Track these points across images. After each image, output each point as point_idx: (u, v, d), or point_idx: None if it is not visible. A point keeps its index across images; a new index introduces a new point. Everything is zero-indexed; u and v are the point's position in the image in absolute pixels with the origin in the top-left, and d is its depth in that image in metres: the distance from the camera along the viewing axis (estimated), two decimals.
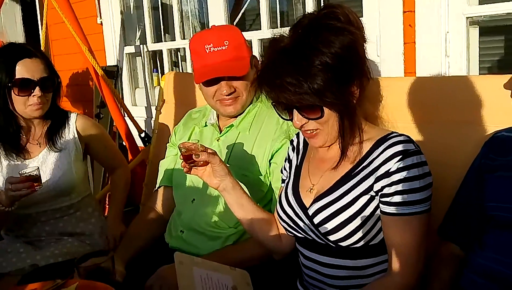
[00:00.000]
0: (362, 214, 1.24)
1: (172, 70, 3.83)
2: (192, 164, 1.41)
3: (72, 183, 1.93)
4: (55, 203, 1.93)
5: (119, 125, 3.20)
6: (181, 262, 1.27)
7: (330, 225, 1.25)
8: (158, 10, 3.90)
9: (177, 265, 1.26)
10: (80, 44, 2.97)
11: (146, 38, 3.86)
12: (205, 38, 1.65)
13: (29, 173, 1.64)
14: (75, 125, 1.99)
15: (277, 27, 2.97)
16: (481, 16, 1.99)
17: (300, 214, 1.33)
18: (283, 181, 1.51)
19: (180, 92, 2.48)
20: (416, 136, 1.53)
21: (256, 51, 2.95)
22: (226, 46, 1.62)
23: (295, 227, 1.37)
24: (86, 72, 3.98)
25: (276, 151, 1.61)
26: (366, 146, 1.28)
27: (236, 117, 1.71)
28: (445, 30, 2.03)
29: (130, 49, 4.00)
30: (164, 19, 3.91)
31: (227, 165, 1.45)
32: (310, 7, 2.60)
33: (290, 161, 1.48)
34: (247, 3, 3.66)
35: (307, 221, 1.31)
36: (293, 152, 1.48)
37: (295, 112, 1.25)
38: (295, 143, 1.49)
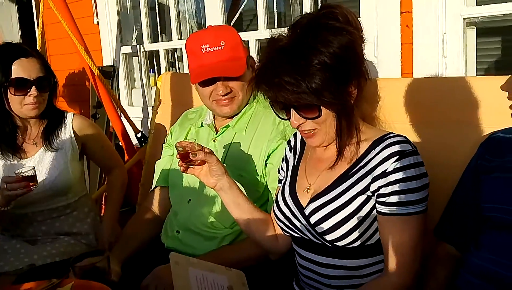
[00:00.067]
0: (359, 214, 1.24)
1: (169, 70, 3.82)
2: (189, 163, 1.41)
3: (69, 183, 1.92)
4: (52, 203, 1.92)
5: (115, 125, 3.19)
6: (177, 262, 1.27)
7: (326, 225, 1.25)
8: (155, 10, 3.89)
9: (173, 265, 1.25)
10: (77, 44, 2.96)
11: (142, 38, 3.86)
12: (201, 38, 1.64)
13: (25, 173, 1.64)
14: (72, 125, 1.98)
15: (274, 28, 2.97)
16: (479, 17, 2.00)
17: (296, 214, 1.33)
18: (280, 181, 1.51)
19: (177, 92, 2.48)
20: (413, 136, 1.53)
21: (253, 51, 2.96)
22: (223, 46, 1.62)
23: (291, 226, 1.36)
24: (83, 72, 3.97)
25: (272, 152, 1.60)
26: (363, 147, 1.29)
27: (232, 117, 1.71)
28: (442, 31, 2.03)
29: (126, 49, 3.99)
30: (161, 19, 3.91)
31: (224, 165, 1.45)
32: (307, 7, 2.60)
33: (287, 161, 1.48)
34: (244, 3, 3.66)
35: (303, 221, 1.31)
36: (290, 152, 1.48)
37: (292, 111, 1.25)
38: (292, 143, 1.49)
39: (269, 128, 1.64)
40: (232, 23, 3.52)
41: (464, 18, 2.00)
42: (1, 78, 1.78)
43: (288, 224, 1.37)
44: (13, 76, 1.78)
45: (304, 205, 1.32)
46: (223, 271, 1.34)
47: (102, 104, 3.25)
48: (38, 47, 3.00)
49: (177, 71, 3.95)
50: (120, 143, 3.27)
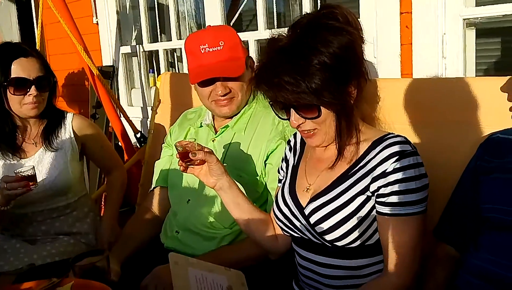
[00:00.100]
0: (358, 214, 1.24)
1: (168, 70, 3.82)
2: (188, 163, 1.41)
3: (69, 183, 1.92)
4: (52, 202, 1.92)
5: (115, 125, 3.19)
6: (176, 262, 1.27)
7: (326, 225, 1.25)
8: (154, 10, 3.89)
9: (172, 265, 1.25)
10: (76, 44, 2.96)
11: (142, 38, 3.86)
12: (200, 38, 1.64)
13: (25, 172, 1.64)
14: (72, 125, 1.98)
15: (274, 28, 2.97)
16: (478, 17, 2.00)
17: (296, 214, 1.33)
18: (279, 181, 1.51)
19: (176, 92, 2.48)
20: (412, 137, 1.54)
21: (252, 51, 2.96)
22: (221, 47, 1.62)
23: (291, 226, 1.36)
24: (82, 72, 3.97)
25: (272, 152, 1.61)
26: (363, 147, 1.29)
27: (231, 117, 1.71)
28: (442, 32, 2.03)
29: (126, 49, 3.99)
30: (160, 19, 3.91)
31: (224, 164, 1.45)
32: (306, 8, 2.60)
33: (287, 161, 1.48)
34: (244, 3, 3.66)
35: (303, 221, 1.31)
36: (290, 152, 1.48)
37: (292, 111, 1.25)
38: (292, 143, 1.49)
39: (268, 128, 1.64)
40: (231, 23, 3.52)
41: (464, 19, 2.00)
42: (0, 77, 1.78)
43: (287, 224, 1.37)
44: (12, 76, 1.78)
45: (304, 205, 1.32)
46: (222, 271, 1.34)
47: (101, 104, 3.25)
48: (38, 47, 3.01)
49: (177, 71, 3.95)
50: (119, 143, 3.27)
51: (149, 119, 2.65)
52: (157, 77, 2.73)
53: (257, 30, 2.98)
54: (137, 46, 3.92)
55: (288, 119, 1.28)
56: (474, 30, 2.08)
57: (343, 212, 1.24)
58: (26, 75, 1.79)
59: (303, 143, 1.46)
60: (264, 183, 1.63)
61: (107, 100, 3.10)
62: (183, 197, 1.73)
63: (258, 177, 1.62)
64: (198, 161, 1.39)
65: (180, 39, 3.61)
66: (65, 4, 3.00)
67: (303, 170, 1.40)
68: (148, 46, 3.86)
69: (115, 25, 3.99)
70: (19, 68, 1.79)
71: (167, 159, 1.90)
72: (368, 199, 1.24)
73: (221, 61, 1.62)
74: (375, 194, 1.23)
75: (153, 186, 1.91)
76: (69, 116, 2.00)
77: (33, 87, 1.80)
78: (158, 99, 2.54)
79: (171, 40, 3.69)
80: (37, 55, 1.87)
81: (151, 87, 3.91)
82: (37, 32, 3.19)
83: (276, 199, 1.43)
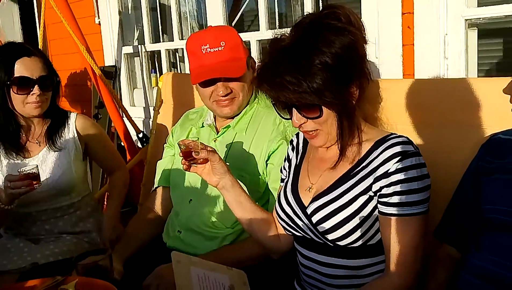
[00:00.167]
0: (360, 214, 1.24)
1: (170, 70, 3.83)
2: (191, 162, 1.41)
3: (72, 182, 1.93)
4: (55, 202, 1.93)
5: (117, 125, 3.20)
6: (179, 261, 1.27)
7: (328, 224, 1.25)
8: (156, 10, 3.90)
9: (175, 264, 1.26)
10: (78, 44, 2.96)
11: (144, 38, 3.86)
12: (201, 38, 1.65)
13: (28, 171, 1.64)
14: (75, 124, 1.99)
15: (275, 28, 2.98)
16: (480, 18, 1.99)
17: (298, 213, 1.34)
18: (282, 180, 1.51)
19: (178, 92, 2.49)
20: (414, 137, 1.54)
21: (254, 52, 2.96)
22: (223, 47, 1.62)
23: (293, 225, 1.37)
24: (84, 72, 3.97)
25: (273, 152, 1.61)
26: (365, 147, 1.29)
27: (232, 118, 1.71)
28: (443, 32, 2.03)
29: (128, 49, 4.00)
30: (162, 19, 3.92)
31: (227, 163, 1.45)
32: (308, 8, 2.60)
33: (289, 161, 1.48)
34: (246, 4, 3.67)
35: (305, 220, 1.31)
36: (293, 152, 1.49)
37: (294, 111, 1.26)
38: (294, 143, 1.50)
39: (270, 128, 1.65)
40: (233, 24, 3.53)
41: (466, 19, 2.00)
42: (4, 77, 1.78)
43: (290, 223, 1.38)
44: (16, 75, 1.79)
45: (306, 204, 1.32)
46: (224, 270, 1.34)
47: (103, 104, 3.25)
48: (40, 47, 3.02)
49: (179, 71, 3.95)
50: (122, 143, 3.27)
51: (151, 119, 2.66)
52: (159, 77, 2.73)
53: (259, 30, 2.98)
54: (139, 46, 3.92)
55: (291, 119, 1.28)
56: (476, 30, 2.07)
57: (345, 211, 1.24)
58: (29, 75, 1.80)
59: (305, 143, 1.46)
60: (266, 183, 1.63)
61: (110, 100, 3.10)
62: (185, 197, 1.74)
63: (259, 177, 1.63)
64: (201, 160, 1.40)
65: (182, 39, 3.61)
66: (68, 4, 3.01)
67: (306, 169, 1.40)
68: (150, 46, 3.86)
69: (117, 25, 3.99)
70: (23, 68, 1.79)
71: (169, 159, 1.90)
72: (370, 199, 1.24)
73: (222, 61, 1.62)
74: (378, 194, 1.23)
75: (155, 186, 1.92)
76: (73, 116, 2.01)
77: (36, 86, 1.81)
78: (160, 99, 2.55)
79: (173, 41, 3.69)
80: (40, 55, 1.88)
81: (153, 87, 3.92)
82: (39, 32, 3.20)
83: (278, 198, 1.43)
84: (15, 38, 5.42)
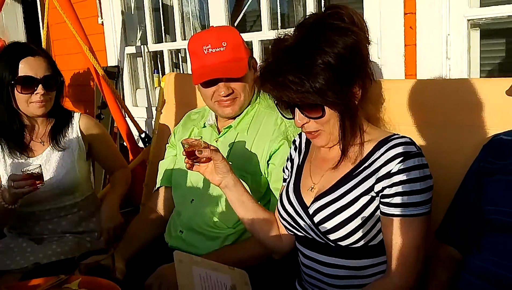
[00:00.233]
0: (362, 214, 1.24)
1: (173, 71, 3.83)
2: (194, 160, 1.41)
3: (76, 182, 1.94)
4: (59, 201, 1.94)
5: (120, 125, 3.20)
6: (181, 260, 1.28)
7: (329, 224, 1.25)
8: (159, 11, 3.90)
9: (177, 263, 1.26)
10: (81, 44, 2.97)
11: (147, 38, 3.87)
12: (203, 39, 1.65)
13: (31, 171, 1.65)
14: (79, 124, 2.00)
15: (277, 29, 2.97)
16: (482, 18, 1.99)
17: (300, 213, 1.34)
18: (284, 180, 1.51)
19: (181, 93, 2.49)
20: (417, 138, 1.54)
21: (256, 52, 2.96)
22: (224, 47, 1.62)
23: (295, 225, 1.37)
24: (87, 72, 3.99)
25: (274, 152, 1.61)
26: (368, 147, 1.29)
27: (234, 118, 1.72)
28: (446, 32, 2.03)
29: (131, 49, 4.00)
30: (165, 20, 3.92)
31: (230, 163, 1.46)
32: (311, 8, 2.60)
33: (292, 161, 1.49)
34: (248, 4, 3.67)
35: (307, 220, 1.31)
36: (295, 152, 1.49)
37: (296, 110, 1.26)
38: (297, 143, 1.50)
39: (271, 129, 1.65)
40: (235, 24, 3.53)
41: (468, 20, 2.00)
42: (8, 76, 1.79)
43: (292, 222, 1.38)
44: (20, 75, 1.80)
45: (308, 204, 1.32)
46: (226, 270, 1.35)
47: (106, 104, 3.26)
48: (43, 47, 3.02)
49: (181, 71, 3.96)
50: (124, 143, 3.28)
51: (153, 120, 2.66)
52: (162, 77, 2.74)
53: (261, 30, 2.98)
54: (142, 46, 3.93)
55: (293, 119, 1.28)
56: (479, 31, 2.07)
57: (347, 212, 1.24)
58: (33, 74, 1.81)
59: (308, 142, 1.46)
60: (267, 183, 1.63)
61: (112, 100, 3.11)
62: (187, 197, 1.74)
63: (261, 177, 1.63)
64: (204, 159, 1.40)
65: (185, 39, 3.61)
66: (71, 5, 3.02)
67: (308, 169, 1.41)
68: (153, 47, 3.87)
69: (120, 25, 4.00)
70: (27, 67, 1.80)
71: (171, 159, 1.91)
72: (372, 199, 1.24)
73: (224, 61, 1.62)
74: (380, 194, 1.23)
75: (157, 186, 1.92)
76: (76, 116, 2.02)
77: (40, 86, 1.82)
78: (163, 99, 2.55)
79: (175, 41, 3.69)
80: (45, 55, 1.89)
81: (155, 88, 3.92)
82: (43, 32, 3.21)
83: (280, 198, 1.43)
84: (19, 38, 5.44)
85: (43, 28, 3.21)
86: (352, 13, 1.23)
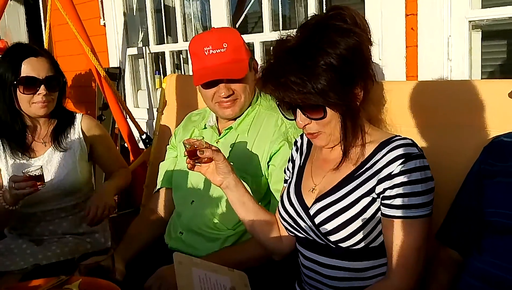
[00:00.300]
0: (363, 216, 1.24)
1: (174, 72, 3.84)
2: (196, 161, 1.41)
3: (77, 182, 1.94)
4: (61, 202, 1.94)
5: (121, 126, 3.21)
6: (180, 262, 1.28)
7: (330, 226, 1.25)
8: (160, 12, 3.91)
9: (176, 265, 1.26)
10: (83, 46, 2.98)
11: (148, 40, 3.88)
12: (204, 40, 1.65)
13: (32, 172, 1.65)
14: (81, 125, 2.00)
15: (279, 30, 2.98)
16: (484, 20, 1.98)
17: (301, 214, 1.34)
18: (285, 181, 1.51)
19: (182, 94, 2.49)
20: (418, 139, 1.53)
21: (258, 54, 2.96)
22: (225, 49, 1.63)
23: (296, 226, 1.37)
24: (89, 73, 3.99)
25: (275, 153, 1.61)
26: (369, 148, 1.29)
27: (234, 119, 1.72)
28: (447, 34, 2.02)
29: (132, 50, 4.01)
30: (166, 21, 3.92)
31: (231, 163, 1.46)
32: (312, 10, 2.60)
33: (293, 162, 1.49)
34: (249, 6, 3.67)
35: (308, 221, 1.31)
36: (297, 153, 1.49)
37: (298, 111, 1.25)
38: (298, 144, 1.50)
39: (272, 130, 1.65)
40: (237, 26, 3.53)
41: (470, 21, 1.99)
42: (10, 76, 1.80)
43: (292, 224, 1.38)
44: (22, 75, 1.80)
45: (309, 205, 1.32)
46: (226, 272, 1.34)
47: (108, 105, 3.26)
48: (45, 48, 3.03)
49: (183, 73, 3.96)
50: (125, 144, 3.28)
51: (154, 121, 2.66)
52: (163, 78, 2.74)
53: (263, 32, 2.98)
54: (144, 47, 3.93)
55: (295, 120, 1.28)
56: (480, 32, 2.06)
57: (348, 213, 1.24)
58: (35, 75, 1.81)
59: (309, 144, 1.46)
60: (267, 184, 1.63)
61: (114, 101, 3.12)
62: (187, 198, 1.74)
63: (261, 178, 1.63)
64: (206, 159, 1.40)
65: (186, 41, 3.62)
66: (73, 6, 3.03)
67: (309, 170, 1.40)
68: (155, 48, 3.87)
69: (122, 26, 4.01)
70: (29, 68, 1.81)
71: (171, 161, 1.91)
72: (373, 201, 1.24)
73: (225, 63, 1.62)
74: (381, 196, 1.23)
75: (157, 187, 1.92)
76: (78, 117, 2.02)
77: (42, 86, 1.82)
78: (164, 100, 2.55)
79: (177, 42, 3.70)
80: (47, 55, 1.90)
81: (157, 89, 3.93)
82: (45, 34, 3.22)
83: (281, 199, 1.43)
84: (21, 39, 5.45)
85: (45, 29, 3.23)
86: (355, 14, 1.23)
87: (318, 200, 1.30)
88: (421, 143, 1.54)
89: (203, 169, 1.44)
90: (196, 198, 1.71)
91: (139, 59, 4.07)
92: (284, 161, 1.54)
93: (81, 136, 1.99)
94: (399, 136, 1.29)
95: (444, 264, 1.30)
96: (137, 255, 1.72)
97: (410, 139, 1.26)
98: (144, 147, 3.15)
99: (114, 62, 4.07)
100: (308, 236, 1.34)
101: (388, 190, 1.21)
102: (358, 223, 1.24)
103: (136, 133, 3.20)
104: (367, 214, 1.24)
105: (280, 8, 3.14)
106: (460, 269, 1.24)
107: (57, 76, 1.89)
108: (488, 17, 1.97)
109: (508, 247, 1.12)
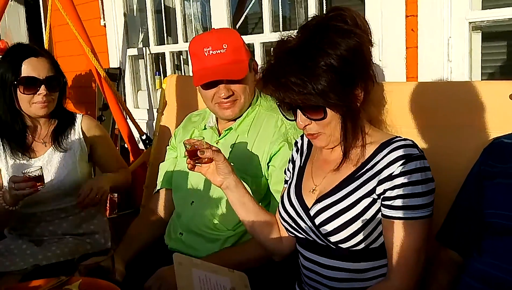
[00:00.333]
0: (364, 217, 1.24)
1: (174, 73, 3.84)
2: (196, 161, 1.41)
3: (77, 183, 1.93)
4: (61, 202, 1.94)
5: (121, 127, 3.21)
6: (180, 263, 1.28)
7: (331, 226, 1.25)
8: (161, 13, 3.91)
9: (176, 266, 1.26)
10: (84, 46, 2.98)
11: (149, 40, 3.88)
12: (204, 41, 1.65)
13: (32, 173, 1.66)
14: (81, 126, 2.01)
15: (279, 31, 2.98)
16: (484, 21, 1.98)
17: (301, 215, 1.33)
18: (286, 181, 1.51)
19: (182, 95, 2.49)
20: (418, 140, 1.53)
21: (258, 54, 2.96)
22: (225, 49, 1.63)
23: (296, 227, 1.37)
24: (89, 74, 3.99)
25: (274, 154, 1.61)
26: (370, 149, 1.29)
27: (234, 120, 1.72)
28: (447, 35, 2.03)
29: (133, 51, 4.01)
30: (167, 22, 3.93)
31: (231, 164, 1.46)
32: (312, 11, 2.60)
33: (293, 162, 1.49)
34: (250, 7, 3.67)
35: (308, 222, 1.31)
36: (297, 153, 1.49)
37: (298, 112, 1.26)
38: (299, 145, 1.50)
39: (271, 131, 1.65)
40: (237, 26, 3.53)
41: (470, 22, 1.99)
42: (11, 77, 1.80)
43: (293, 224, 1.37)
44: (23, 75, 1.80)
45: (309, 206, 1.32)
46: (226, 272, 1.34)
47: (108, 106, 3.26)
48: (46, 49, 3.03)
49: (183, 73, 3.96)
50: (125, 145, 3.28)
51: (154, 121, 2.66)
52: (163, 79, 2.74)
53: (263, 33, 2.98)
54: (144, 48, 3.93)
55: (295, 121, 1.28)
56: (480, 33, 2.06)
57: (349, 214, 1.24)
58: (36, 75, 1.81)
59: (310, 144, 1.46)
60: (267, 185, 1.63)
61: (114, 102, 3.12)
62: (187, 199, 1.74)
63: (261, 179, 1.63)
64: (206, 159, 1.40)
65: (186, 41, 3.62)
66: (73, 6, 3.03)
67: (310, 171, 1.40)
68: (155, 49, 3.87)
69: (123, 27, 4.01)
70: (30, 68, 1.81)
71: (171, 161, 1.91)
72: (374, 201, 1.24)
73: (225, 63, 1.63)
74: (381, 197, 1.23)
75: (157, 188, 1.92)
76: (79, 117, 2.02)
77: (42, 86, 1.82)
78: (164, 101, 2.55)
79: (177, 43, 3.70)
80: (47, 55, 1.90)
81: (157, 90, 3.93)
82: (45, 34, 3.22)
83: (282, 200, 1.43)
84: (21, 39, 5.45)
85: (45, 30, 3.23)
86: (355, 15, 1.23)
87: (318, 200, 1.30)
88: (421, 144, 1.54)
89: (204, 169, 1.44)
90: (196, 199, 1.71)
91: (139, 60, 4.07)
92: (284, 162, 1.54)
93: (81, 136, 1.99)
94: (399, 137, 1.29)
95: (444, 265, 1.30)
96: (137, 255, 1.72)
97: (411, 140, 1.26)
98: (144, 148, 3.15)
99: (114, 63, 4.08)
100: (308, 237, 1.34)
101: (389, 191, 1.21)
102: (358, 224, 1.24)
103: (136, 134, 3.20)
104: (368, 215, 1.24)
105: (280, 9, 3.14)
106: (460, 270, 1.23)
107: (58, 76, 1.89)
108: (488, 18, 1.97)
109: (508, 248, 1.12)
